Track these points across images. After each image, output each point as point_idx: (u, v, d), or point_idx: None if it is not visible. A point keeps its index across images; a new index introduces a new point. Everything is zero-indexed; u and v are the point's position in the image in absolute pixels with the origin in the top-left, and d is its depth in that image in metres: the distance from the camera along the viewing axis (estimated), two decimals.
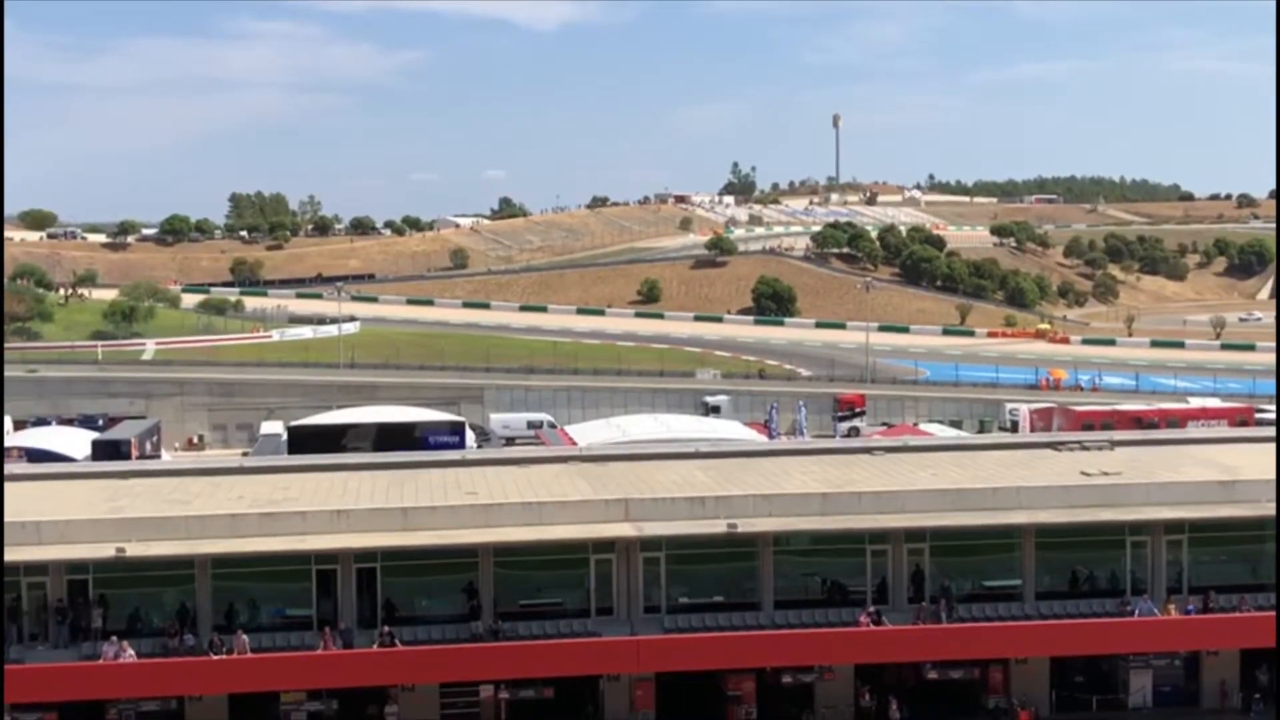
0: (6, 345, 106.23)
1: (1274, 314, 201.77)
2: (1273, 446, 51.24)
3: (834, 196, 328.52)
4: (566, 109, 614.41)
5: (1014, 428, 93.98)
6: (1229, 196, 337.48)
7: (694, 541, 42.99)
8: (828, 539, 43.96)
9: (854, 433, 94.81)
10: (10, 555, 39.37)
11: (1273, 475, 45.16)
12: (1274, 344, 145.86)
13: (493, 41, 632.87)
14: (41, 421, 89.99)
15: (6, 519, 39.73)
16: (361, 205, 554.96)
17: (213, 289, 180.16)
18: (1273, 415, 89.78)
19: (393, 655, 40.54)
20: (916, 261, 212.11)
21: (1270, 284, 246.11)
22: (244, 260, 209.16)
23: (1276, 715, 40.70)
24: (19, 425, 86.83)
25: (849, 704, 42.81)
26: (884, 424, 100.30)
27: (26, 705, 38.78)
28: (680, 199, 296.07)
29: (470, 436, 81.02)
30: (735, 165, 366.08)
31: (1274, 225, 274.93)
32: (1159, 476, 46.68)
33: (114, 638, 39.98)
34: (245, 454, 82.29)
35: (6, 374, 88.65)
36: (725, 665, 42.04)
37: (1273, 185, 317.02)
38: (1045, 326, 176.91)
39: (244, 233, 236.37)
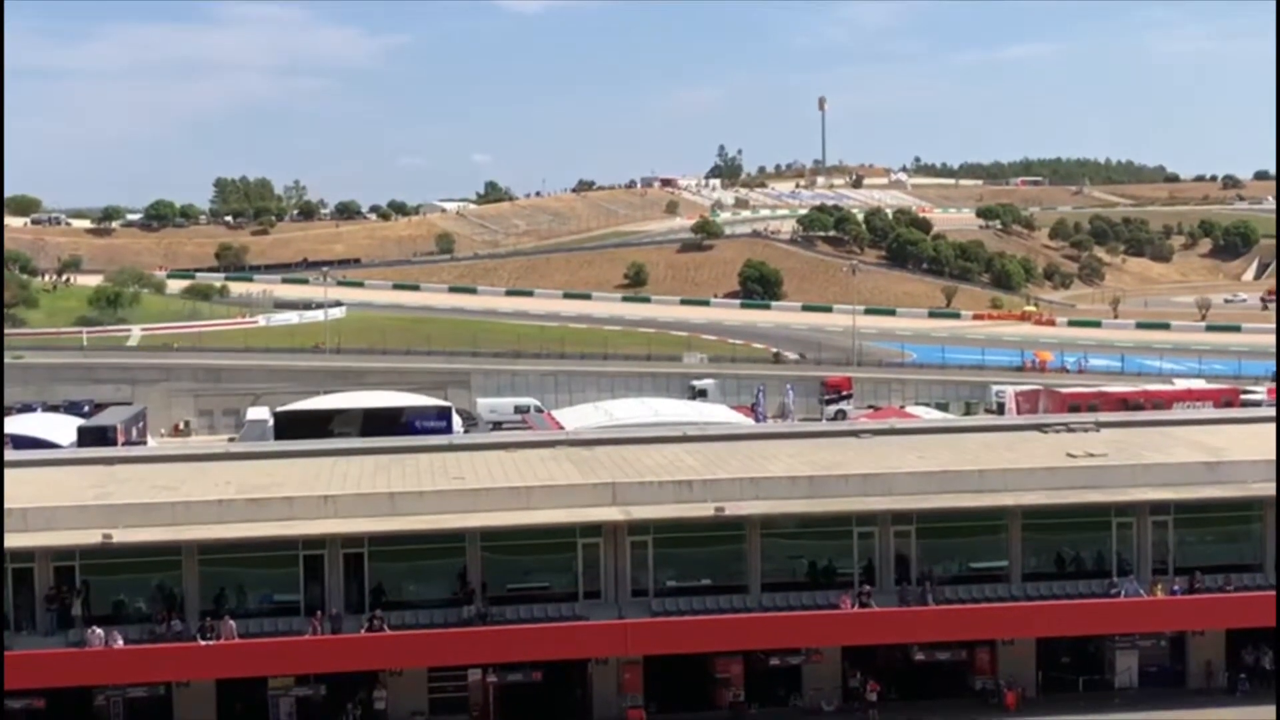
0: None
1: (1259, 295, 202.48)
2: (1258, 427, 51.57)
3: (820, 179, 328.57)
4: (552, 92, 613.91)
5: (1000, 410, 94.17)
6: (1214, 178, 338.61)
7: (681, 525, 43.03)
8: (815, 522, 44.04)
9: (841, 415, 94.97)
10: None
11: (1258, 456, 45.37)
12: (1260, 325, 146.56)
13: (478, 25, 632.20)
14: (27, 408, 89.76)
15: None
16: (347, 190, 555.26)
17: (198, 274, 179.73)
18: (1257, 396, 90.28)
19: (380, 640, 40.58)
20: (902, 244, 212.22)
21: (1255, 265, 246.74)
22: (229, 245, 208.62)
23: (1277, 695, 40.78)
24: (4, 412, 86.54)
25: (836, 686, 42.95)
26: (871, 406, 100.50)
27: (14, 692, 38.72)
28: (666, 182, 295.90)
29: (457, 421, 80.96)
30: (721, 148, 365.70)
31: (1258, 206, 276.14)
32: (1145, 458, 46.82)
33: (95, 627, 39.94)
34: (232, 439, 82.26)
35: None
36: (713, 648, 42.14)
37: (1257, 166, 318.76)
38: (1031, 309, 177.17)
39: (229, 218, 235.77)
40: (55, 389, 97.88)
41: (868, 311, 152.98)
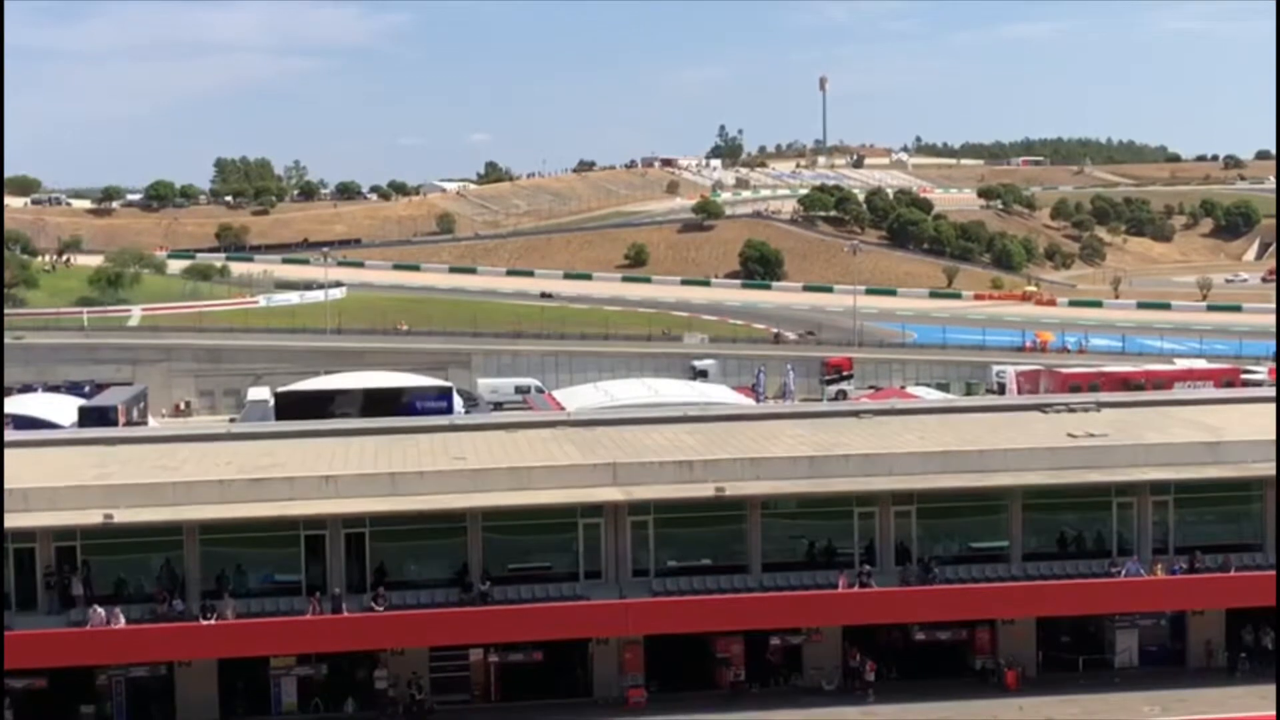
0: None
1: (1260, 275, 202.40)
2: (1259, 407, 51.59)
3: (821, 159, 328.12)
4: (552, 71, 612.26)
5: (1001, 390, 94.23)
6: (1215, 158, 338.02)
7: (682, 505, 43.06)
8: (815, 502, 44.07)
9: (841, 396, 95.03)
10: None
11: (1259, 435, 45.38)
12: (1260, 305, 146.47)
13: (476, 3, 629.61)
14: (28, 388, 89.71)
15: None
16: (347, 170, 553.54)
17: (198, 254, 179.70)
18: (1258, 376, 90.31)
19: (382, 619, 40.64)
20: (903, 224, 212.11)
21: (1256, 245, 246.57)
22: (230, 226, 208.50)
23: (1278, 674, 40.79)
24: (4, 392, 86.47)
25: (837, 665, 43.00)
26: (871, 387, 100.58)
27: (16, 672, 38.79)
28: (667, 162, 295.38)
29: (458, 401, 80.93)
30: (722, 128, 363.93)
31: (1260, 186, 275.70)
32: (1145, 438, 46.82)
33: (96, 607, 39.99)
34: (233, 420, 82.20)
35: None
36: (714, 628, 42.18)
37: (1259, 146, 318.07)
38: (1032, 289, 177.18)
39: (229, 198, 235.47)
40: (56, 369, 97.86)
41: (869, 292, 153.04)
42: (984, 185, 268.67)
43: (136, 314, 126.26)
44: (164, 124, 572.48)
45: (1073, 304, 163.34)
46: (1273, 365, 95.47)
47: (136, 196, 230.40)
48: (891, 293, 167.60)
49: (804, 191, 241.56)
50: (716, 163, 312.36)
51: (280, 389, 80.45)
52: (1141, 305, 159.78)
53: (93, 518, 40.18)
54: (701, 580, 43.24)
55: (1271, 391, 61.67)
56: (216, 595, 41.09)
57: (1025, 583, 43.37)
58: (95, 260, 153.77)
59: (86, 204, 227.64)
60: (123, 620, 39.96)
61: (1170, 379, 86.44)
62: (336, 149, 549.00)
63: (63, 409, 77.44)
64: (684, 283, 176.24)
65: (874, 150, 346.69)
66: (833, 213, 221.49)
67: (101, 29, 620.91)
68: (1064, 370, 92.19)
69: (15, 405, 78.95)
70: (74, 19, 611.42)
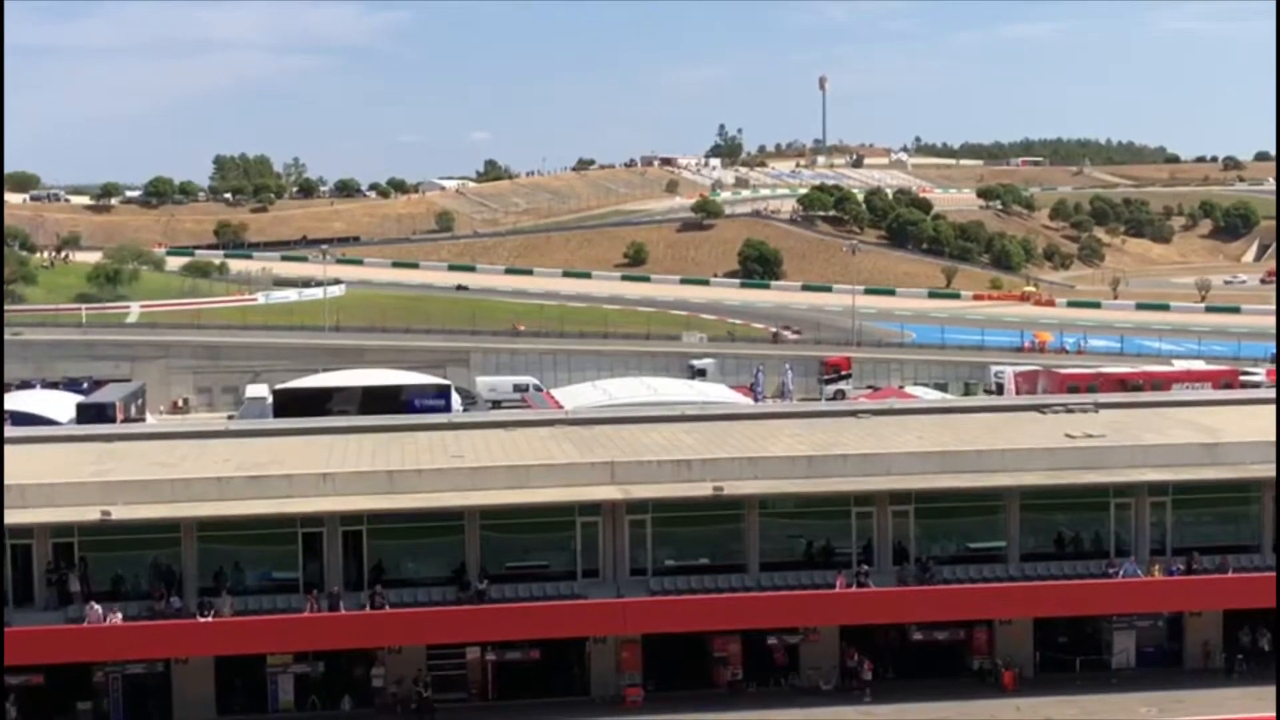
0: None
1: (1258, 277, 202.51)
2: (1257, 408, 51.61)
3: (820, 159, 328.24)
4: (552, 70, 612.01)
5: (999, 390, 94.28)
6: (1215, 159, 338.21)
7: (680, 504, 43.01)
8: (813, 501, 44.02)
9: (840, 395, 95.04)
10: None
11: (1257, 437, 45.37)
12: (1259, 306, 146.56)
13: (477, 3, 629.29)
14: (26, 385, 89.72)
15: None
16: (346, 167, 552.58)
17: (197, 251, 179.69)
18: (1257, 378, 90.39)
19: (378, 617, 40.60)
20: (903, 224, 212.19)
21: (1255, 246, 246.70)
22: (228, 223, 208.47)
23: (1277, 676, 40.76)
24: (3, 388, 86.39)
25: (834, 665, 42.99)
26: (870, 386, 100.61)
27: (13, 668, 38.75)
28: (666, 161, 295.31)
29: (456, 400, 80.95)
30: (722, 127, 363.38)
31: (1259, 188, 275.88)
32: (1143, 439, 46.80)
33: (93, 604, 39.96)
34: (231, 417, 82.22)
35: None
36: (711, 627, 42.15)
37: (1258, 148, 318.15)
38: (1031, 289, 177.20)
39: (228, 195, 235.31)
40: (54, 366, 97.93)
41: (867, 291, 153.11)
42: (983, 185, 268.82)
43: (135, 311, 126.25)
44: (163, 121, 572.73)
45: (1071, 304, 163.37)
46: (1271, 366, 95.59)
47: (135, 193, 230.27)
48: (890, 292, 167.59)
49: (803, 191, 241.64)
50: (716, 162, 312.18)
51: (278, 386, 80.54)
52: (1140, 306, 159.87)
53: (90, 514, 40.12)
54: (699, 579, 43.19)
55: (1270, 393, 61.69)
56: (214, 592, 41.04)
57: (1023, 583, 43.34)
58: (94, 257, 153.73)
59: (85, 200, 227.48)
60: (120, 617, 39.94)
61: (1168, 380, 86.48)
62: (336, 147, 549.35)
63: (61, 405, 77.47)
64: (683, 282, 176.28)
65: (873, 150, 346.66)
66: (832, 212, 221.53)
67: (101, 26, 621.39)
68: (1062, 371, 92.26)
69: (13, 401, 78.93)
70: (74, 16, 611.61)
